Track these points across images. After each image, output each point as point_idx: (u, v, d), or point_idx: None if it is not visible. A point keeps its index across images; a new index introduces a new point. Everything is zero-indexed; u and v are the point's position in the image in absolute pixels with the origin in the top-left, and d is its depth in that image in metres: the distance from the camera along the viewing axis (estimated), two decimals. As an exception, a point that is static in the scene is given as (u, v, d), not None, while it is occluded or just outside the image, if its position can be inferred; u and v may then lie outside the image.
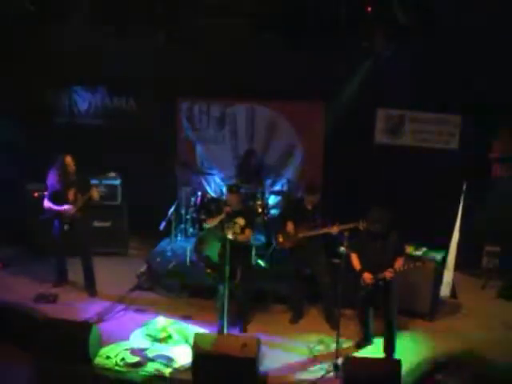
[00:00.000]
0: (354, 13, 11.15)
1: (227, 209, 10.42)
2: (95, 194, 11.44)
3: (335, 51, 11.93)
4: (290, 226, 10.80)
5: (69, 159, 11.33)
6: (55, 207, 11.34)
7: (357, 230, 9.98)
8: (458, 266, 12.21)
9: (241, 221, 10.43)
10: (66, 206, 11.31)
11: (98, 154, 13.36)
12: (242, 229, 10.45)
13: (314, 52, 12.09)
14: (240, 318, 10.62)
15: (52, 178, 11.45)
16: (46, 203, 11.40)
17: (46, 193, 11.51)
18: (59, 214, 11.36)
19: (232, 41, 12.26)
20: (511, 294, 12.16)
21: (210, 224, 10.80)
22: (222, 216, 10.37)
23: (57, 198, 11.37)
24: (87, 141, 13.73)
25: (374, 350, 10.12)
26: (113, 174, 12.29)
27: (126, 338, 10.20)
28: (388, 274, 9.42)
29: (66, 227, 11.35)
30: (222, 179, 14.15)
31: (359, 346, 10.23)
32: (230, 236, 9.93)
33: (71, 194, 11.39)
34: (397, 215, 9.55)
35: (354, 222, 10.01)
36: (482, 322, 11.17)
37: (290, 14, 11.45)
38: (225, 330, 9.83)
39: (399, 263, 9.60)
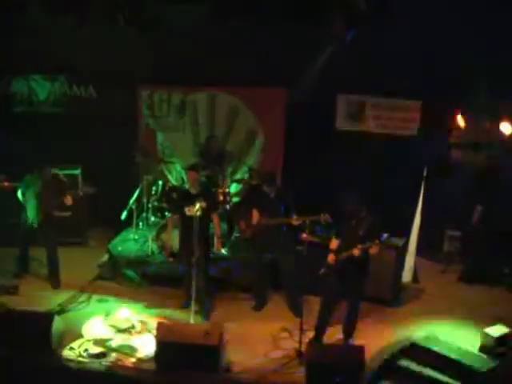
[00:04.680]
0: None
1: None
2: (69, 201, 11.40)
3: (295, 37, 11.90)
4: (254, 214, 10.82)
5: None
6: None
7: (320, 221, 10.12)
8: (419, 251, 12.31)
9: (201, 203, 10.31)
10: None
11: (58, 142, 13.22)
12: (204, 211, 10.37)
13: (273, 38, 12.06)
14: (201, 300, 10.56)
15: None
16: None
17: (6, 183, 11.48)
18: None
19: (192, 28, 12.19)
20: (472, 277, 12.30)
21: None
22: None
23: None
24: (47, 130, 13.61)
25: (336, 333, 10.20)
26: (87, 187, 12.16)
27: (89, 329, 10.14)
28: (355, 250, 9.39)
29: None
30: (183, 167, 14.07)
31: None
32: (189, 212, 10.32)
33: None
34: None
35: (316, 215, 10.07)
36: (443, 306, 11.28)
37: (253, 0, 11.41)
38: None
39: (370, 245, 9.53)
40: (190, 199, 10.42)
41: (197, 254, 10.04)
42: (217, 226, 10.89)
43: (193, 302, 9.95)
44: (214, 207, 10.91)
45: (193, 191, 10.66)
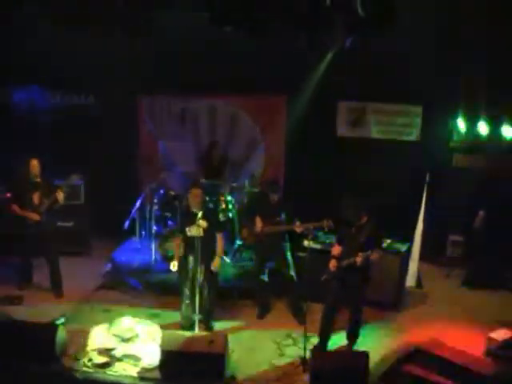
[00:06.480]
0: (314, 5, 11.14)
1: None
2: (61, 196, 11.30)
3: (295, 45, 11.90)
4: (258, 221, 10.81)
5: (34, 162, 11.23)
6: (21, 213, 11.24)
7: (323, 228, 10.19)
8: (422, 256, 12.31)
9: (203, 223, 10.04)
10: (31, 214, 11.20)
11: (60, 152, 13.20)
12: (206, 231, 10.11)
13: (274, 46, 12.06)
14: (207, 318, 10.54)
15: (16, 182, 11.38)
16: (13, 207, 11.29)
17: (8, 195, 11.41)
18: (24, 218, 11.26)
19: (192, 36, 12.19)
20: (475, 282, 12.30)
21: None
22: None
23: (22, 202, 11.26)
24: (48, 139, 13.62)
25: (340, 340, 10.18)
26: (75, 176, 12.05)
27: (93, 338, 10.13)
28: (358, 259, 9.36)
29: (30, 230, 11.25)
30: (185, 175, 14.08)
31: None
32: (189, 233, 10.05)
33: (36, 198, 11.27)
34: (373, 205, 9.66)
35: (318, 221, 10.09)
36: (447, 311, 11.29)
37: (251, 7, 11.40)
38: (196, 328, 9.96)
39: (371, 253, 9.49)
40: (191, 218, 10.04)
41: (201, 277, 10.05)
42: (220, 247, 10.45)
43: (197, 312, 9.94)
44: (217, 227, 10.50)
45: (194, 210, 10.15)
